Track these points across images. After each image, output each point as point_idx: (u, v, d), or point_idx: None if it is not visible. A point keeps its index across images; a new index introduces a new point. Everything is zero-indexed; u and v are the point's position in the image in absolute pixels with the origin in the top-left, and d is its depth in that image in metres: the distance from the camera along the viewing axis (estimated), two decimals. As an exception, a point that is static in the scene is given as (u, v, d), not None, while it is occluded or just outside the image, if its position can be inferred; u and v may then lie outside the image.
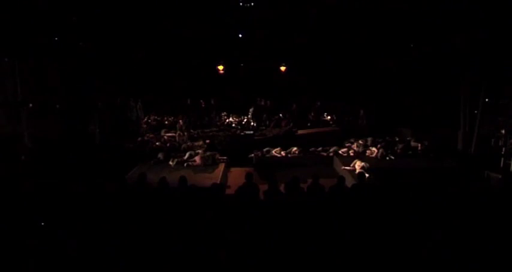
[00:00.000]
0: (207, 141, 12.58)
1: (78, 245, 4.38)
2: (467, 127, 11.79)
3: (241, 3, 12.05)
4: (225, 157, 10.86)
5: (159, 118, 16.96)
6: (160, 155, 10.66)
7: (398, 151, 11.24)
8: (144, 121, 15.90)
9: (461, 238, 4.54)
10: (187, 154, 10.51)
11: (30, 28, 10.18)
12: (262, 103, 16.04)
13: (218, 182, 7.98)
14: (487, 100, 11.33)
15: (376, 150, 11.14)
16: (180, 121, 14.10)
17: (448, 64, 12.13)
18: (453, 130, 12.34)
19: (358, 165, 9.64)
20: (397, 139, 13.01)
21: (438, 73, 13.03)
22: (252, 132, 14.16)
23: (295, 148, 11.79)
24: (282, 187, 6.42)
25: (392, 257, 4.19)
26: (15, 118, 10.51)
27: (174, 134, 13.59)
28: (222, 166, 10.03)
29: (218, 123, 16.32)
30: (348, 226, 4.81)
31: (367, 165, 9.59)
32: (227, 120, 17.32)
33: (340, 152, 11.64)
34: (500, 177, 8.38)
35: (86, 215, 5.19)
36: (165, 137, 13.54)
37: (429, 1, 10.19)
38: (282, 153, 11.65)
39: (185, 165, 10.10)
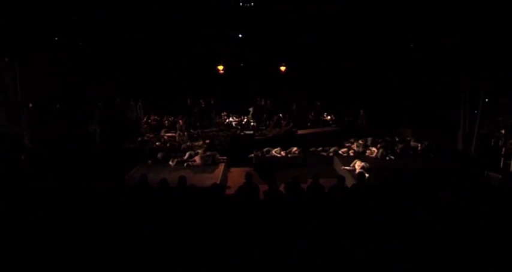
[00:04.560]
0: (207, 141, 12.58)
1: (78, 246, 4.39)
2: (467, 127, 11.80)
3: (241, 3, 12.06)
4: (225, 157, 10.85)
5: (159, 118, 16.96)
6: (159, 155, 10.67)
7: (398, 151, 11.24)
8: (144, 121, 15.90)
9: (461, 237, 4.54)
10: (187, 154, 10.50)
11: (30, 28, 10.19)
12: (262, 103, 16.05)
13: (218, 182, 7.97)
14: (487, 100, 11.34)
15: (376, 150, 11.13)
16: (180, 121, 14.10)
17: (448, 64, 12.13)
18: (453, 130, 12.34)
19: (358, 165, 9.64)
20: (397, 139, 13.01)
21: (438, 73, 13.04)
22: (252, 132, 14.16)
23: (295, 148, 11.78)
24: (282, 187, 6.41)
25: (392, 257, 4.20)
26: (15, 118, 10.51)
27: (174, 134, 13.58)
28: (222, 166, 10.02)
29: (218, 124, 16.30)
30: (347, 226, 4.81)
31: (367, 165, 9.59)
32: (227, 120, 17.33)
33: (340, 152, 11.63)
34: (500, 177, 8.38)
35: (86, 215, 5.19)
36: (165, 137, 13.54)
37: (429, 1, 10.21)
38: (282, 153, 11.64)
39: (185, 165, 10.09)
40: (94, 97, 13.38)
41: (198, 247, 4.32)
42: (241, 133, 14.12)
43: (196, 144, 12.21)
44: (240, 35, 14.53)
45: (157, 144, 12.34)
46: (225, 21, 12.87)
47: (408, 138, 12.94)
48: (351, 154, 11.35)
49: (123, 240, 4.51)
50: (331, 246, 4.37)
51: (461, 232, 4.66)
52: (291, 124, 14.56)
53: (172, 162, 10.24)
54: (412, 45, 13.66)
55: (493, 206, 5.51)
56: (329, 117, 17.05)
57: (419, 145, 11.79)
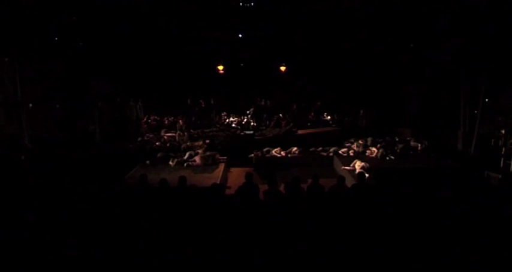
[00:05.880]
0: (207, 141, 12.58)
1: (78, 246, 4.38)
2: (467, 127, 11.79)
3: (241, 3, 12.05)
4: (225, 157, 10.86)
5: (159, 118, 16.96)
6: (159, 155, 10.67)
7: (398, 151, 11.24)
8: (144, 121, 15.90)
9: (461, 238, 4.54)
10: (187, 154, 10.51)
11: (30, 28, 10.19)
12: (262, 103, 16.04)
13: (218, 182, 7.97)
14: (487, 100, 11.34)
15: (376, 150, 11.13)
16: (180, 121, 14.10)
17: (448, 64, 12.14)
18: (453, 130, 12.34)
19: (358, 165, 9.64)
20: (397, 139, 13.01)
21: (438, 73, 13.04)
22: (252, 132, 14.16)
23: (295, 148, 11.79)
24: (282, 187, 6.41)
25: (392, 258, 4.19)
26: (15, 118, 10.50)
27: (174, 134, 13.59)
28: (222, 166, 10.02)
29: (218, 124, 16.30)
30: (347, 226, 4.81)
31: (367, 165, 9.59)
32: (227, 120, 17.32)
33: (340, 152, 11.63)
34: (500, 177, 8.37)
35: (87, 215, 5.19)
36: (165, 137, 13.54)
37: (429, 2, 10.21)
38: (282, 153, 11.64)
39: (185, 165, 10.10)
40: (94, 97, 13.37)
41: (198, 247, 4.32)
42: (241, 133, 14.12)
43: (196, 144, 12.20)
44: (240, 35, 14.52)
45: (157, 144, 12.34)
46: (225, 21, 12.86)
47: (408, 138, 12.93)
48: (351, 154, 11.36)
49: (123, 240, 4.51)
50: (331, 246, 4.37)
51: (461, 232, 4.66)
52: (291, 124, 14.57)
53: (172, 162, 10.25)
54: (412, 45, 13.66)
55: (493, 206, 5.51)
56: (329, 117, 17.04)
57: (419, 145, 11.79)
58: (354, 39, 13.89)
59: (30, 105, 11.34)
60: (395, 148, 11.46)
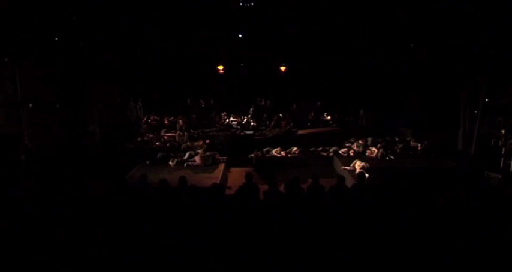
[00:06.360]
0: (207, 141, 12.58)
1: (78, 246, 4.38)
2: (467, 127, 11.80)
3: (241, 3, 12.06)
4: (225, 157, 10.86)
5: (159, 118, 16.95)
6: (159, 155, 10.67)
7: (398, 151, 11.25)
8: (144, 121, 15.90)
9: (461, 238, 4.54)
10: (187, 154, 10.51)
11: (30, 28, 10.19)
12: (262, 103, 16.05)
13: (218, 182, 7.98)
14: (487, 100, 11.33)
15: (376, 150, 11.14)
16: (180, 121, 14.08)
17: (448, 64, 12.13)
18: (453, 130, 12.34)
19: (358, 165, 9.65)
20: (397, 139, 13.02)
21: (438, 73, 13.03)
22: (252, 132, 14.17)
23: (295, 148, 11.80)
24: (282, 187, 6.42)
25: (391, 258, 4.19)
26: (15, 118, 10.50)
27: (174, 134, 13.59)
28: (222, 166, 10.03)
29: (218, 124, 16.29)
30: (347, 226, 4.81)
31: (367, 165, 9.60)
32: (227, 120, 17.33)
33: (340, 152, 11.64)
34: (500, 177, 8.37)
35: (87, 215, 5.19)
36: (165, 137, 13.54)
37: (429, 2, 10.21)
38: (282, 153, 11.65)
39: (185, 165, 10.10)
40: (94, 97, 13.36)
41: (198, 247, 4.31)
42: (241, 133, 14.13)
43: (196, 144, 12.20)
44: (240, 35, 14.52)
45: (157, 144, 12.34)
46: (225, 21, 12.86)
47: (408, 138, 12.94)
48: (351, 154, 11.36)
49: (123, 240, 4.51)
50: (331, 246, 4.37)
51: (461, 232, 4.66)
52: (291, 124, 14.57)
53: (172, 162, 10.25)
54: (412, 45, 13.65)
55: (493, 206, 5.51)
56: (329, 117, 17.05)
57: (419, 145, 11.80)
58: (354, 39, 13.90)
59: (30, 105, 11.33)
60: (395, 148, 11.47)
